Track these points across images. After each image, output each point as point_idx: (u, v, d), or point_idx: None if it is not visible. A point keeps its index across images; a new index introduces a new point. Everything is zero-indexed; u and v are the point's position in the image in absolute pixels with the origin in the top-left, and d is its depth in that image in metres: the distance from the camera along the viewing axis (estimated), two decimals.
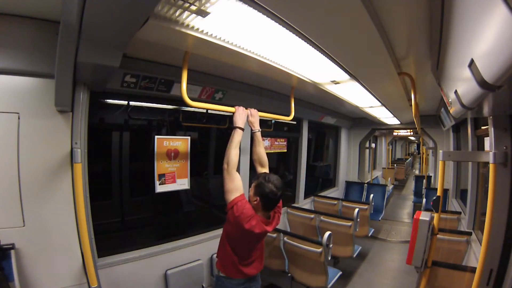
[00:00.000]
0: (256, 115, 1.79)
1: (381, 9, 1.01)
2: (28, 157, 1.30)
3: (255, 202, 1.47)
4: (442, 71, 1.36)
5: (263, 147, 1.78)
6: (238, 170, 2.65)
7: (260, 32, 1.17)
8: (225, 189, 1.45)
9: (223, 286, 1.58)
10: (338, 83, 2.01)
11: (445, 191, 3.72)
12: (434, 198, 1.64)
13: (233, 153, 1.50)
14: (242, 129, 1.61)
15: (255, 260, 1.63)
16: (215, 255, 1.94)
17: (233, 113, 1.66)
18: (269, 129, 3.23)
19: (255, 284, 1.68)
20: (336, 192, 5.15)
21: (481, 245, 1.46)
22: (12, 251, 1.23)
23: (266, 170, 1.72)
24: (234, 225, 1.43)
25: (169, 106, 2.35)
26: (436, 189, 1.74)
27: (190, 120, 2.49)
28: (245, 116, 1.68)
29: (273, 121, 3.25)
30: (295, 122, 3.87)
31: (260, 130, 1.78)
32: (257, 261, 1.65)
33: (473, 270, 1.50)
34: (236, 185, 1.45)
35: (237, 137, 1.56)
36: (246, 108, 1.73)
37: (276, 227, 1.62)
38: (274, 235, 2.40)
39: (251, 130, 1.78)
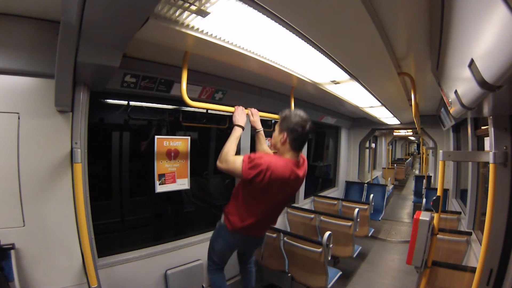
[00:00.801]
0: (256, 115, 1.79)
1: (381, 9, 1.01)
2: (28, 157, 1.30)
3: (282, 140, 1.33)
4: (442, 71, 1.35)
5: (266, 145, 1.79)
6: None
7: (260, 32, 1.17)
8: (229, 171, 1.33)
9: (224, 236, 1.50)
10: (338, 83, 2.01)
11: (445, 191, 3.72)
12: (434, 198, 1.64)
13: (231, 147, 1.43)
14: (242, 128, 1.60)
15: (269, 220, 1.51)
16: None
17: (233, 113, 1.67)
18: (269, 129, 3.23)
19: (258, 242, 1.59)
20: (336, 192, 5.15)
21: (481, 245, 1.45)
22: (12, 251, 1.23)
23: None
24: (259, 182, 1.27)
25: (169, 106, 2.35)
26: (436, 189, 1.74)
27: (190, 120, 2.49)
28: (244, 116, 1.68)
29: (273, 121, 3.25)
30: None
31: (263, 129, 1.79)
32: (271, 222, 1.53)
33: (473, 270, 1.50)
34: (233, 158, 1.35)
35: (236, 133, 1.54)
36: (246, 108, 1.74)
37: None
38: (274, 235, 2.40)
39: (255, 130, 1.78)
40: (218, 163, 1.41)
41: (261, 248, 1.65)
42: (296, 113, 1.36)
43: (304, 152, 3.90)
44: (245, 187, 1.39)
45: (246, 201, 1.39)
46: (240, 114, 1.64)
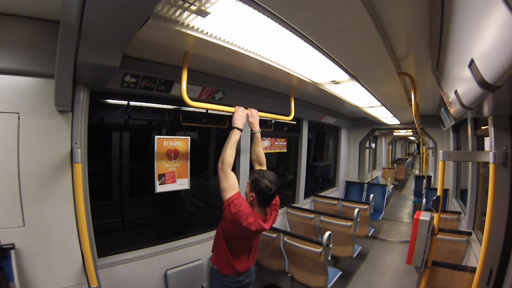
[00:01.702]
0: (256, 116, 1.80)
1: (381, 9, 1.01)
2: (28, 157, 1.30)
3: (251, 198, 1.50)
4: (442, 71, 1.35)
5: (262, 147, 1.80)
6: (238, 170, 2.66)
7: (260, 32, 1.17)
8: (220, 187, 1.47)
9: (218, 279, 1.61)
10: (338, 83, 2.01)
11: (445, 191, 3.72)
12: (434, 198, 1.64)
13: (229, 153, 1.51)
14: (241, 130, 1.62)
15: (248, 257, 1.65)
16: None
17: (233, 113, 1.66)
18: (269, 129, 3.23)
19: (249, 277, 1.70)
20: (336, 192, 5.15)
21: (481, 245, 1.45)
22: (12, 251, 1.23)
23: (264, 169, 1.74)
24: (231, 222, 1.45)
25: (169, 106, 2.35)
26: (436, 189, 1.74)
27: (190, 120, 2.49)
28: (244, 117, 1.68)
29: (273, 121, 3.25)
30: (295, 122, 3.87)
31: (260, 130, 1.79)
32: (250, 258, 1.67)
33: (473, 270, 1.50)
34: (232, 184, 1.47)
35: (235, 137, 1.57)
36: (246, 108, 1.74)
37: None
38: (274, 235, 2.40)
39: (251, 130, 1.79)
40: (220, 170, 1.49)
41: (253, 283, 1.76)
42: (265, 176, 1.50)
43: (304, 152, 3.91)
44: (223, 227, 1.57)
45: (224, 240, 1.56)
46: (240, 116, 1.65)
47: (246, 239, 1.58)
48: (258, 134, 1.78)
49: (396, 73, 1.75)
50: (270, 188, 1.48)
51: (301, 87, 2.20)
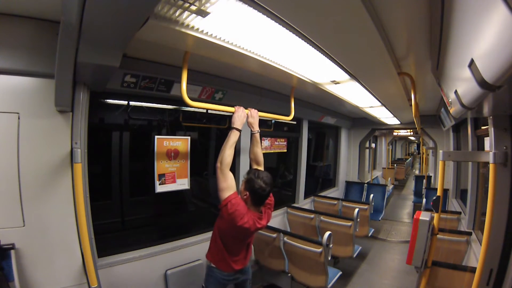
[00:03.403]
0: (255, 116, 1.80)
1: (381, 9, 1.01)
2: (28, 157, 1.30)
3: (245, 197, 1.53)
4: (442, 71, 1.35)
5: (260, 147, 1.81)
6: (238, 170, 2.66)
7: (260, 32, 1.17)
8: (218, 187, 1.49)
9: (214, 276, 1.64)
10: (338, 83, 2.01)
11: (445, 191, 3.72)
12: (434, 198, 1.64)
13: (227, 153, 1.52)
14: (240, 131, 1.62)
15: (243, 255, 1.68)
16: None
17: (233, 113, 1.67)
18: (269, 129, 3.23)
19: (245, 275, 1.73)
20: (336, 192, 5.15)
21: (481, 245, 1.45)
22: (12, 251, 1.23)
23: (261, 168, 1.75)
24: (227, 221, 1.48)
25: (169, 106, 2.35)
26: (436, 189, 1.74)
27: (190, 120, 2.49)
28: (244, 118, 1.68)
29: (273, 121, 3.25)
30: (295, 122, 3.87)
31: (259, 131, 1.80)
32: (245, 256, 1.70)
33: (473, 270, 1.50)
34: (229, 184, 1.49)
35: (233, 137, 1.58)
36: (246, 108, 1.74)
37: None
38: (274, 235, 2.40)
39: (251, 131, 1.80)
40: (218, 169, 1.50)
41: (249, 281, 1.78)
42: (259, 176, 1.53)
43: (304, 152, 3.91)
44: (219, 226, 1.59)
45: (220, 239, 1.59)
46: (240, 116, 1.65)
47: (242, 238, 1.61)
48: (257, 135, 1.79)
49: (396, 73, 1.75)
50: (264, 188, 1.51)
51: (301, 87, 2.20)
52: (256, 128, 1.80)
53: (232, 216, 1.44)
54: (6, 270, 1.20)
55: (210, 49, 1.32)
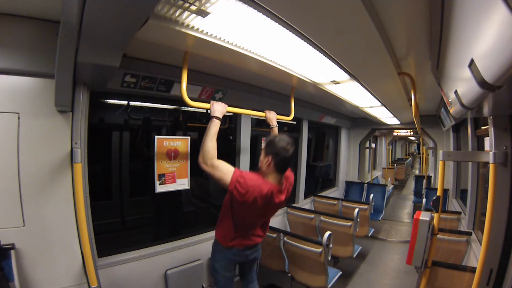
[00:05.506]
0: (273, 113, 2.08)
1: (381, 9, 1.01)
2: (28, 157, 1.30)
3: (267, 163, 1.43)
4: (442, 71, 1.36)
5: None
6: None
7: (260, 32, 1.17)
8: (215, 179, 1.39)
9: (221, 252, 1.56)
10: (338, 83, 2.01)
11: (445, 191, 3.72)
12: (434, 198, 1.64)
13: (210, 145, 1.43)
14: (220, 120, 1.56)
15: (259, 231, 1.59)
16: None
17: (209, 108, 1.60)
18: (269, 129, 3.23)
19: (255, 253, 1.64)
20: (336, 192, 5.15)
21: (481, 245, 1.46)
22: (12, 251, 1.23)
23: None
24: (243, 204, 1.38)
25: (169, 106, 2.35)
26: (436, 189, 1.74)
27: (190, 120, 2.49)
28: (223, 107, 1.62)
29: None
30: (295, 122, 3.87)
31: (277, 125, 2.02)
32: (261, 231, 1.61)
33: (473, 270, 1.50)
34: (224, 169, 1.39)
35: (214, 128, 1.50)
36: (263, 111, 1.96)
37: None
38: (274, 235, 2.40)
39: (269, 125, 2.02)
40: (203, 164, 1.40)
41: (259, 260, 1.70)
42: (281, 138, 1.46)
43: (304, 152, 3.91)
44: (231, 203, 1.48)
45: (232, 215, 1.50)
46: (219, 105, 1.58)
47: (259, 213, 1.48)
48: (275, 129, 2.03)
49: (396, 73, 1.75)
50: (287, 149, 1.42)
51: (301, 87, 2.20)
52: (274, 123, 2.01)
53: (246, 198, 1.34)
54: (6, 270, 1.20)
55: (210, 49, 1.32)
